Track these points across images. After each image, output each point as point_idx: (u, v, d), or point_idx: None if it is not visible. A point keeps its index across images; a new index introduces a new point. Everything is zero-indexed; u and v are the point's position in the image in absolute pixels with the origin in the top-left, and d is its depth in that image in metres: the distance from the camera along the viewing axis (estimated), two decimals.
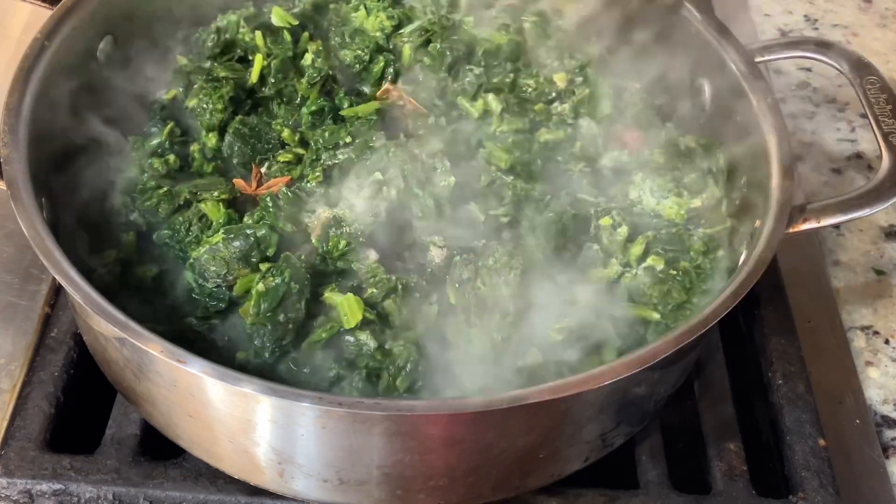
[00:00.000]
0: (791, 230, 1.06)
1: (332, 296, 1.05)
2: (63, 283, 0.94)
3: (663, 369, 1.00)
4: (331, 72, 1.26)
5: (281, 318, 1.02)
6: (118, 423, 1.09)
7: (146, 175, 1.16)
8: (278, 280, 1.03)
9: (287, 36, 1.28)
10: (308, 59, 1.25)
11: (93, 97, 1.19)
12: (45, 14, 1.32)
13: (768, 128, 1.15)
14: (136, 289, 1.08)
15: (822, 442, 1.13)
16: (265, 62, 1.24)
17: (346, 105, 1.23)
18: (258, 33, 1.26)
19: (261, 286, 1.03)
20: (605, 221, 1.14)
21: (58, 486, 1.04)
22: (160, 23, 1.28)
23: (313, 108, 1.22)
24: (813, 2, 1.80)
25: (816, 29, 1.74)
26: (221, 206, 1.13)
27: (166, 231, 1.12)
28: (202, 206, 1.13)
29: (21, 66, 1.10)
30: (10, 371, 1.14)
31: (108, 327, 0.91)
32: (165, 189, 1.14)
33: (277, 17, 1.28)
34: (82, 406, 1.14)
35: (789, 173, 1.10)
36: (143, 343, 0.90)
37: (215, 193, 1.14)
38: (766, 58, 1.24)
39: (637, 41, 1.29)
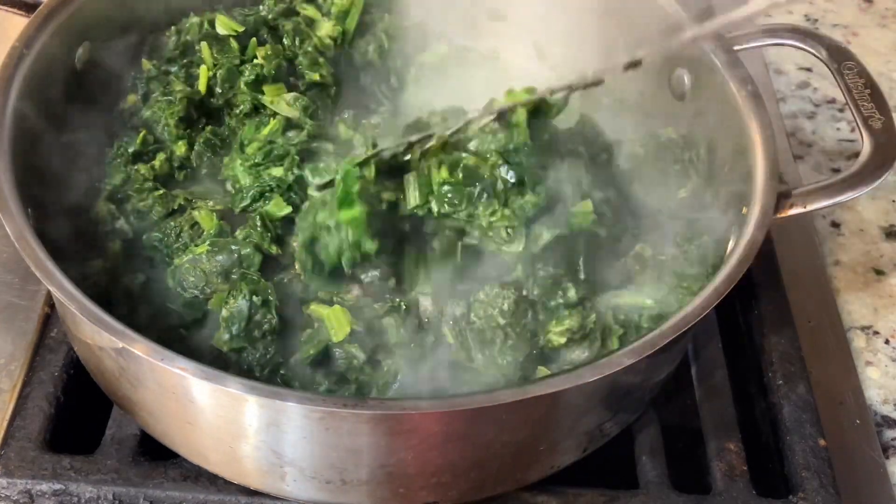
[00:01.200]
0: (779, 215, 1.07)
1: (318, 308, 1.04)
2: (59, 296, 0.93)
3: (661, 356, 1.00)
4: (274, 71, 1.24)
5: (256, 333, 1.02)
6: (118, 423, 1.09)
7: (141, 176, 1.15)
8: (240, 300, 1.02)
9: (233, 44, 1.26)
10: (259, 64, 1.24)
11: (74, 104, 1.18)
12: None
13: (750, 115, 1.15)
14: (123, 298, 1.07)
15: (822, 442, 1.13)
16: (211, 73, 1.23)
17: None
18: (203, 44, 1.25)
19: (224, 312, 1.02)
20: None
21: (58, 486, 1.04)
22: (137, 28, 1.27)
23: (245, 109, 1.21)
24: (813, 2, 1.81)
25: (817, 29, 1.74)
26: (214, 217, 1.12)
27: (156, 234, 1.12)
28: (195, 213, 1.12)
29: (1, 75, 1.09)
30: (10, 371, 1.14)
31: (107, 338, 0.91)
32: (162, 191, 1.14)
33: (221, 25, 1.26)
34: (82, 406, 1.13)
35: (773, 160, 1.10)
36: (145, 353, 0.89)
37: (210, 203, 1.14)
38: (744, 46, 1.23)
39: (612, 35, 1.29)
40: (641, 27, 1.26)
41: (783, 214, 1.07)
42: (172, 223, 1.12)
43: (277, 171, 1.13)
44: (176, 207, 1.14)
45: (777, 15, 1.76)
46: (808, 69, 1.66)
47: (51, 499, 1.04)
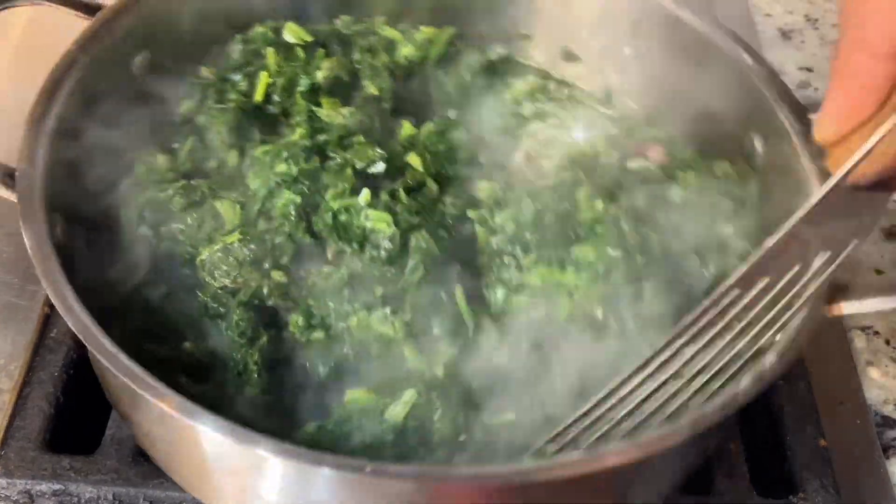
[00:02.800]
0: (829, 313, 1.01)
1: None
2: (71, 322, 0.91)
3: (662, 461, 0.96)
4: (331, 84, 1.22)
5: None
6: (118, 423, 1.09)
7: (161, 167, 1.15)
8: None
9: (300, 53, 1.24)
10: (319, 76, 1.22)
11: (126, 110, 1.17)
12: (41, 19, 1.31)
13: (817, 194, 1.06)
14: (141, 310, 1.06)
15: (822, 442, 1.13)
16: (271, 80, 1.22)
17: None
18: (270, 49, 1.24)
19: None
20: None
21: (58, 487, 1.04)
22: (200, 39, 1.25)
23: (300, 131, 1.17)
24: (813, 2, 1.80)
25: (817, 29, 1.74)
26: (238, 208, 1.11)
27: (177, 225, 1.11)
28: (218, 204, 1.11)
29: (50, 76, 1.08)
30: (9, 371, 1.14)
31: (123, 379, 0.87)
32: (183, 182, 1.13)
33: (290, 32, 1.25)
34: (82, 406, 1.14)
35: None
36: (158, 399, 0.86)
37: (234, 195, 1.13)
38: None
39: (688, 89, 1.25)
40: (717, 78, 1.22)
41: (833, 312, 1.02)
42: (194, 214, 1.11)
43: (281, 167, 1.12)
44: (197, 199, 1.12)
45: (777, 14, 1.76)
46: (809, 69, 1.66)
47: (51, 499, 1.04)
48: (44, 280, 0.93)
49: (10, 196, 1.00)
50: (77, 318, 0.90)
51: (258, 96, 1.22)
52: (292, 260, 1.09)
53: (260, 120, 1.22)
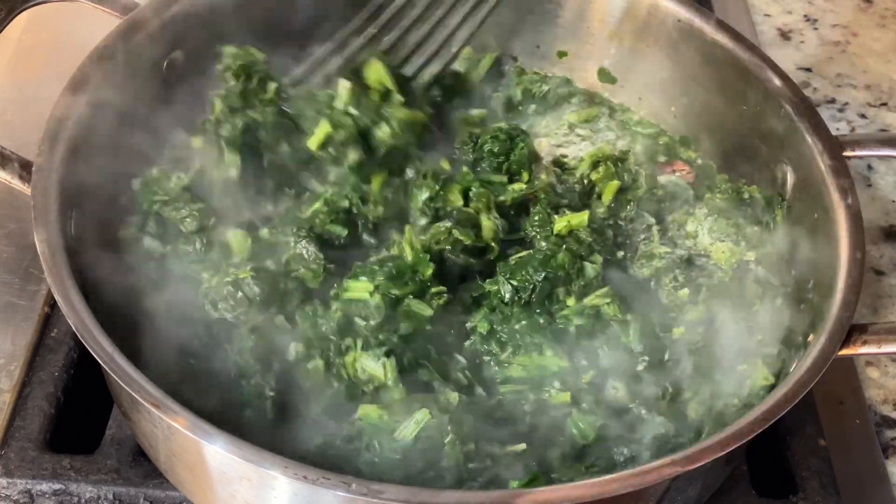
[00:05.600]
0: (843, 352, 0.96)
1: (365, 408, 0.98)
2: (78, 329, 0.90)
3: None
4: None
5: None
6: (118, 423, 1.09)
7: (178, 186, 1.13)
8: None
9: (375, 98, 1.14)
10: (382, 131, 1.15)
11: (149, 110, 1.17)
12: (43, 17, 1.30)
13: (843, 232, 1.06)
14: (147, 316, 1.05)
15: (822, 442, 1.13)
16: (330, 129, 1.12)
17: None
18: (346, 85, 1.12)
19: None
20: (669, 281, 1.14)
21: (58, 486, 1.04)
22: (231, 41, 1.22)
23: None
24: (813, 2, 1.80)
25: (816, 29, 1.74)
26: (249, 240, 1.09)
27: (184, 246, 1.09)
28: (231, 234, 1.09)
29: (77, 73, 1.08)
30: (9, 371, 1.14)
31: (135, 396, 0.87)
32: (200, 206, 1.11)
33: (373, 74, 1.14)
34: (82, 406, 1.13)
35: (856, 287, 1.00)
36: (169, 417, 0.85)
37: (244, 226, 1.11)
38: (856, 153, 1.13)
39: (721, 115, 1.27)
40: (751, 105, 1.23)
41: (850, 352, 0.97)
42: (204, 239, 1.09)
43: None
44: (210, 224, 1.11)
45: (776, 14, 1.77)
46: (808, 69, 1.66)
47: (51, 499, 1.04)
48: (52, 283, 0.93)
49: (25, 189, 1.00)
50: (95, 340, 0.90)
51: (312, 144, 1.13)
52: (299, 305, 1.07)
53: (284, 128, 1.17)
